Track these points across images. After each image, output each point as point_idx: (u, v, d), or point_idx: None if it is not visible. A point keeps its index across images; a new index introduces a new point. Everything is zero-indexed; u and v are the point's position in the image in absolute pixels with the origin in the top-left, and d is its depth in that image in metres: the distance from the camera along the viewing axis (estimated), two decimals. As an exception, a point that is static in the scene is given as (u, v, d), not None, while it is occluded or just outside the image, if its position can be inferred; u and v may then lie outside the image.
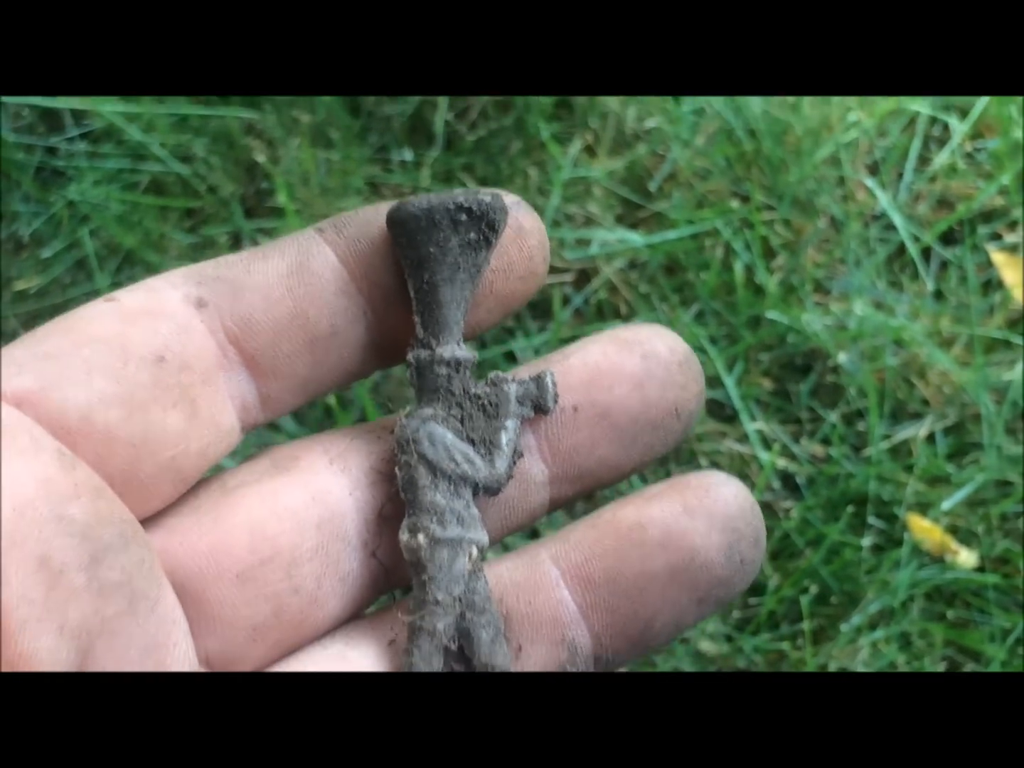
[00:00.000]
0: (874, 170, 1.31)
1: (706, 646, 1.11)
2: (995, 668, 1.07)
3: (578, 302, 1.24)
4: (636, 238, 1.25)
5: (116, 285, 1.26)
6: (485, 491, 0.45)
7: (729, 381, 1.18)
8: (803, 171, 1.27)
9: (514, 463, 0.45)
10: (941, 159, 1.31)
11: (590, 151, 1.32)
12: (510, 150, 1.30)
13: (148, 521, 0.43)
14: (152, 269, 1.27)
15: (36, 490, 0.39)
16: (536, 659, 0.45)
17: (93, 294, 1.25)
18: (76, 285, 1.28)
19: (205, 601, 0.43)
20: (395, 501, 0.46)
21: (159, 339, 0.42)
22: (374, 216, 0.45)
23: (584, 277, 1.26)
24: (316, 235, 0.45)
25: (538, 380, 0.46)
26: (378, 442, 0.47)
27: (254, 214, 1.30)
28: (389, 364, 0.47)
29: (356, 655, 0.45)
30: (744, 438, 1.18)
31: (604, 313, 1.24)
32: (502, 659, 0.44)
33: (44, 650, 0.38)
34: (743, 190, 1.28)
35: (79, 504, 0.39)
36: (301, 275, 0.44)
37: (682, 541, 0.44)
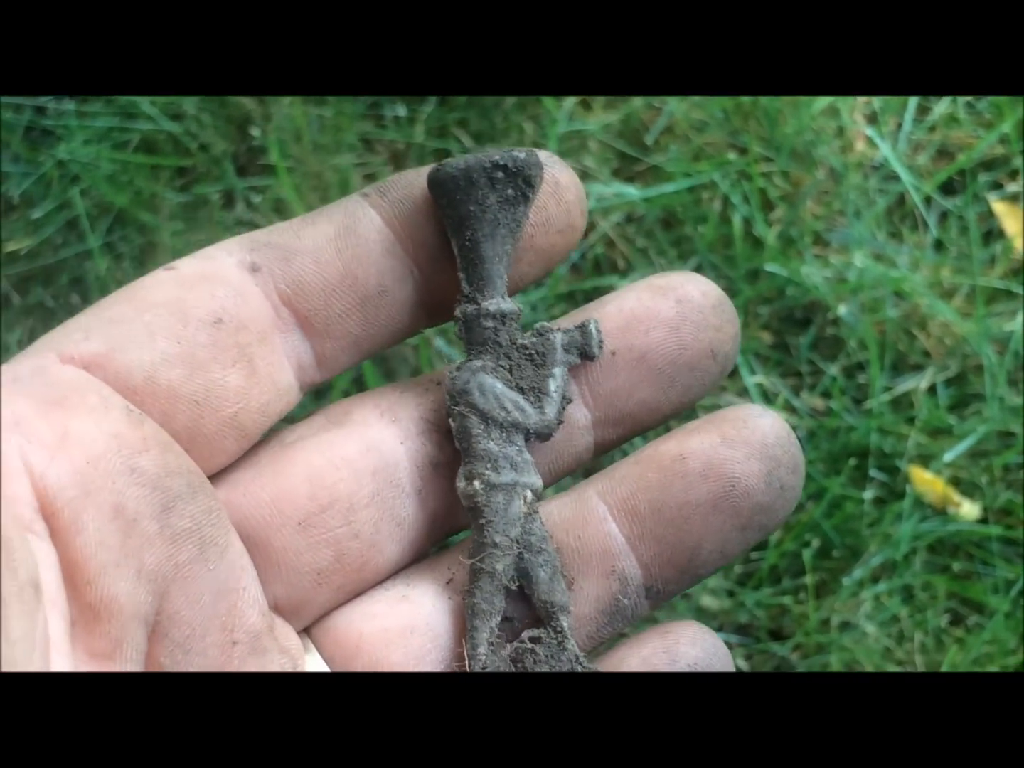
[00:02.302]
0: (873, 120, 1.29)
1: (708, 601, 1.11)
2: (999, 620, 1.06)
3: (575, 257, 1.23)
4: (633, 192, 1.24)
5: (108, 245, 1.25)
6: (537, 437, 0.47)
7: (728, 335, 1.17)
8: (801, 122, 1.25)
9: (563, 408, 0.47)
10: (941, 108, 1.29)
11: (585, 104, 1.30)
12: (505, 104, 1.28)
13: (213, 477, 0.45)
14: (144, 228, 1.26)
15: (107, 444, 0.41)
16: (588, 592, 0.47)
17: (85, 255, 1.25)
18: (67, 245, 1.27)
19: (270, 549, 0.46)
20: (445, 449, 0.48)
21: (216, 302, 0.45)
22: (416, 178, 0.47)
23: (581, 232, 1.25)
24: (361, 200, 0.47)
25: (583, 328, 0.47)
26: (426, 394, 0.49)
27: (246, 172, 1.29)
28: (438, 321, 0.49)
29: (416, 594, 0.48)
30: (744, 392, 1.17)
31: (601, 268, 1.23)
32: (560, 596, 0.46)
33: (123, 594, 0.40)
34: (740, 142, 1.27)
35: (149, 456, 0.42)
36: (348, 238, 0.46)
37: (722, 470, 0.46)
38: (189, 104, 1.29)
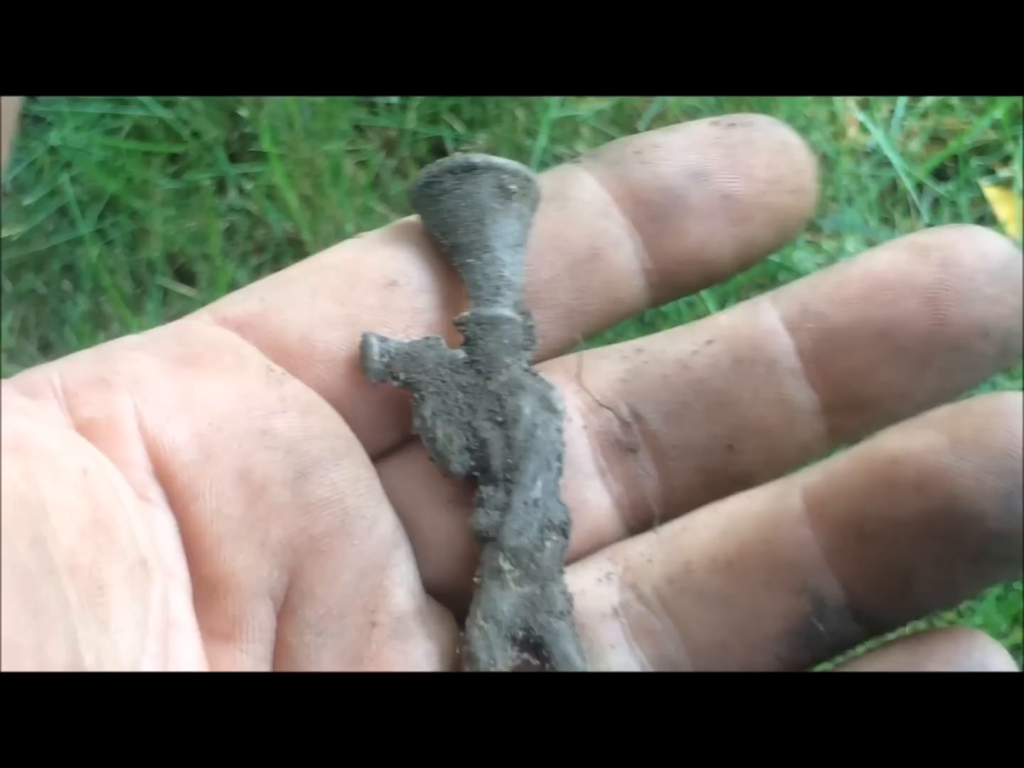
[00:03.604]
0: (865, 106, 1.29)
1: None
2: (990, 603, 1.06)
3: (568, 243, 1.23)
4: (626, 178, 1.23)
5: (100, 232, 1.25)
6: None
7: (721, 320, 1.17)
8: (793, 108, 1.25)
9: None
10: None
11: (578, 91, 1.30)
12: (497, 91, 1.28)
13: (383, 454, 0.42)
14: (136, 215, 1.25)
15: (235, 404, 0.38)
16: (774, 608, 0.38)
17: (76, 241, 1.24)
18: (59, 232, 1.26)
19: (423, 527, 0.41)
20: (627, 429, 0.41)
21: (394, 264, 0.42)
22: (632, 140, 0.43)
23: (573, 218, 1.24)
24: (571, 164, 0.43)
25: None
26: (624, 362, 0.42)
27: (239, 159, 1.28)
28: (665, 296, 0.44)
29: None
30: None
31: (594, 254, 1.22)
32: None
33: (241, 569, 0.37)
34: (733, 128, 1.26)
35: (284, 419, 0.39)
36: (554, 200, 0.42)
37: (940, 484, 0.34)
38: (181, 91, 1.28)
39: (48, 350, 1.22)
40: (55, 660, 0.30)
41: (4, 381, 0.38)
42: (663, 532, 0.40)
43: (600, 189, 0.42)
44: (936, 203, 1.25)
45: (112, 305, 1.21)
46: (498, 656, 0.39)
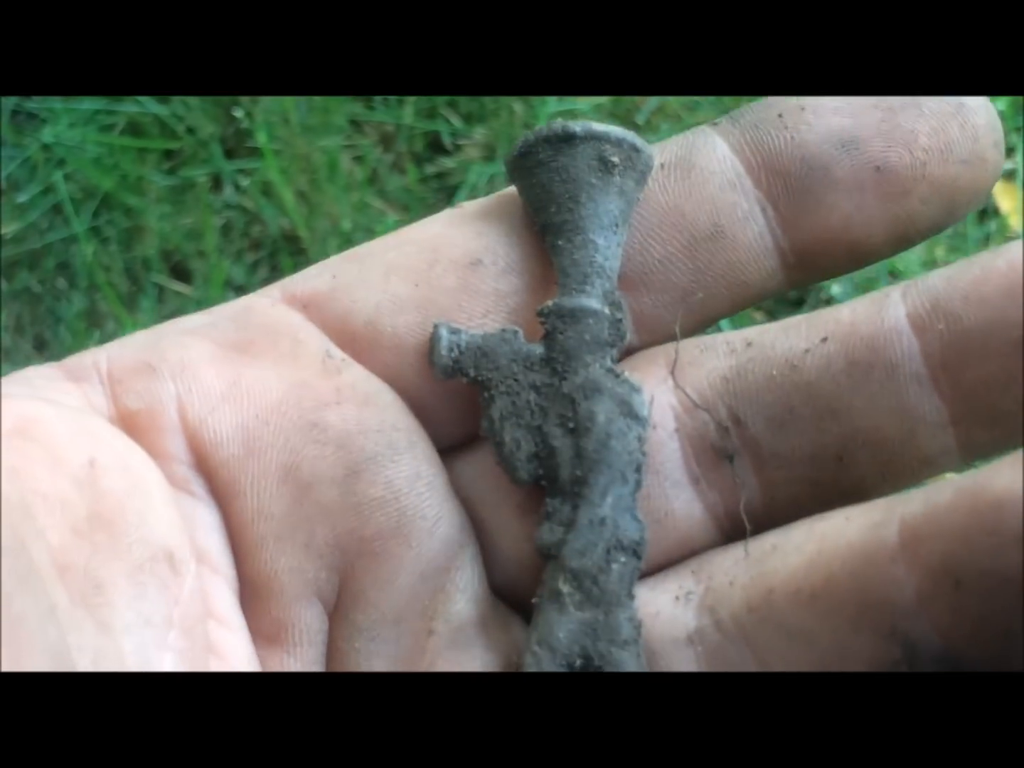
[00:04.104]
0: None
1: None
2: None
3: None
4: (624, 172, 1.23)
5: (94, 229, 1.24)
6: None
7: (721, 315, 1.16)
8: (794, 100, 1.24)
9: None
10: (934, 86, 1.28)
11: (576, 84, 1.29)
12: (494, 85, 1.28)
13: (453, 449, 0.39)
14: (131, 212, 1.24)
15: (286, 395, 0.36)
16: (858, 649, 0.33)
17: (71, 239, 1.23)
18: (54, 230, 1.26)
19: (493, 527, 0.38)
20: (725, 433, 0.37)
21: (481, 241, 0.38)
22: (777, 101, 0.38)
23: (572, 213, 1.24)
24: (708, 128, 0.39)
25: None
26: (730, 356, 0.38)
27: (234, 155, 1.27)
28: (802, 279, 0.39)
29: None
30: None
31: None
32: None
33: (285, 570, 0.35)
34: (733, 121, 1.26)
35: (338, 411, 0.36)
36: (678, 169, 0.38)
37: None
38: (175, 86, 1.28)
39: (43, 348, 1.21)
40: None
41: (53, 364, 0.37)
42: (753, 548, 0.37)
43: (732, 157, 0.38)
44: (938, 196, 1.24)
45: (107, 303, 1.20)
46: None
